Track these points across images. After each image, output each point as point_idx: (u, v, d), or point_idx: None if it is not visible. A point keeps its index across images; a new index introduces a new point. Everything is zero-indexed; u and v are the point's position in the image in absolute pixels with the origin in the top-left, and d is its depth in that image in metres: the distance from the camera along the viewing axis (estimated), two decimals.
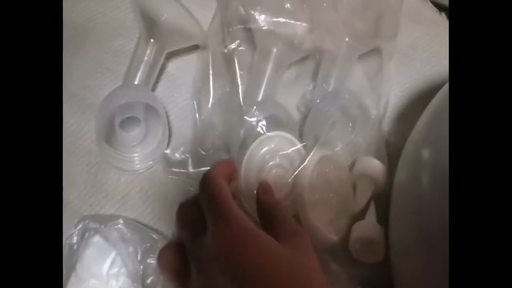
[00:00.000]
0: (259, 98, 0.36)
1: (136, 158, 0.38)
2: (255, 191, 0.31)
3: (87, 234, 0.34)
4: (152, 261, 0.34)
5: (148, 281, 0.33)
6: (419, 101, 0.43)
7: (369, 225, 0.35)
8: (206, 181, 0.25)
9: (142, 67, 0.39)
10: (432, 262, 0.29)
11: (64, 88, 0.41)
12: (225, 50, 0.36)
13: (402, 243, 0.34)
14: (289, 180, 0.35)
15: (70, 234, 0.34)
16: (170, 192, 0.38)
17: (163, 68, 0.42)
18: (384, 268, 0.35)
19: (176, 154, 0.36)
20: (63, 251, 0.34)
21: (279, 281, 0.20)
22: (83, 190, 0.38)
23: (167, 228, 0.36)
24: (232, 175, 0.29)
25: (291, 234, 0.24)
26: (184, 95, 0.41)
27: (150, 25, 0.38)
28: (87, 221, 0.35)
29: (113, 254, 0.33)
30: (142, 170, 0.38)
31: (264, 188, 0.31)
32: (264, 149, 0.35)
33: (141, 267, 0.34)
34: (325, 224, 0.35)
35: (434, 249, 0.29)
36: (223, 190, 0.24)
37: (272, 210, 0.27)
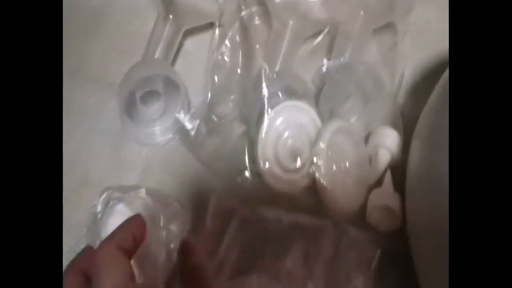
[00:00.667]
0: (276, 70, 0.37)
1: (156, 131, 0.39)
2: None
3: (111, 203, 0.36)
4: (174, 227, 0.35)
5: (172, 245, 0.34)
6: (432, 75, 0.43)
7: (386, 193, 0.35)
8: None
9: (160, 44, 0.40)
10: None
11: (82, 70, 0.43)
12: (241, 24, 0.37)
13: (418, 211, 0.34)
14: (305, 151, 0.36)
15: (94, 204, 0.36)
16: (190, 163, 0.39)
17: (180, 46, 0.43)
18: (401, 237, 0.36)
19: (189, 122, 0.37)
20: (89, 219, 0.35)
21: None
22: (104, 165, 0.39)
23: (188, 199, 0.37)
24: (133, 244, 0.24)
25: None
26: (201, 72, 0.42)
27: (168, 4, 0.40)
28: (110, 191, 0.36)
29: None
30: (162, 143, 0.39)
31: (184, 251, 0.26)
32: (280, 119, 0.36)
33: (164, 233, 0.35)
34: (342, 194, 0.36)
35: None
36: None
37: (193, 275, 0.25)
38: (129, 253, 0.23)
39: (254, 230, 0.34)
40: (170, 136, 0.39)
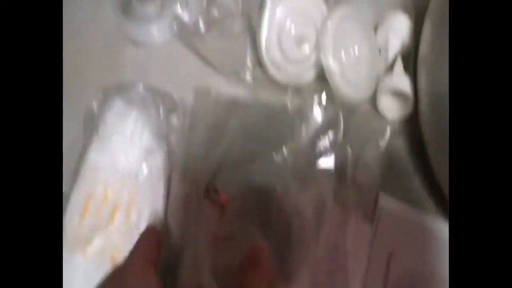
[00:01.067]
0: None
1: (153, 30, 0.37)
2: None
3: (108, 100, 0.34)
4: (174, 120, 0.34)
5: (172, 138, 0.33)
6: None
7: (396, 77, 0.34)
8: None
9: None
10: None
11: None
12: None
13: (430, 94, 0.32)
14: (311, 39, 0.34)
15: (90, 101, 0.34)
16: (189, 62, 0.37)
17: None
18: (411, 124, 0.35)
19: (188, 18, 0.35)
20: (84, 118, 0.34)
21: None
22: (101, 67, 0.38)
23: (188, 94, 0.36)
24: (154, 252, 0.24)
25: None
26: None
27: None
28: (107, 89, 0.35)
29: (135, 114, 0.33)
30: (160, 43, 0.38)
31: None
32: (281, 7, 0.34)
33: (164, 126, 0.33)
34: (351, 81, 0.34)
35: None
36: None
37: None
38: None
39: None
40: (168, 35, 0.37)
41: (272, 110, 0.34)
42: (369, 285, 0.31)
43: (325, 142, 0.31)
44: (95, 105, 0.34)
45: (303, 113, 0.32)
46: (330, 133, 0.32)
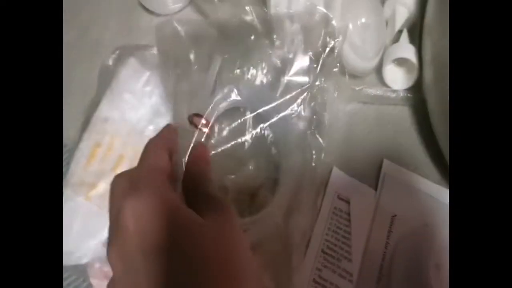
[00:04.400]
0: None
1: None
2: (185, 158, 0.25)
3: (124, 58, 0.35)
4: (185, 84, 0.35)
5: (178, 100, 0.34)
6: None
7: (402, 46, 0.35)
8: (144, 152, 0.22)
9: None
10: None
11: None
12: None
13: (434, 64, 0.33)
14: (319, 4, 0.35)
15: (106, 59, 0.36)
16: (203, 29, 0.38)
17: None
18: (417, 93, 0.35)
19: None
20: (99, 72, 0.35)
21: (199, 257, 0.17)
22: (116, 32, 0.39)
23: (200, 59, 0.37)
24: (172, 149, 0.23)
25: (217, 209, 0.20)
26: None
27: None
28: (124, 48, 0.36)
29: (147, 74, 0.34)
30: (175, 11, 0.39)
31: (196, 156, 0.24)
32: None
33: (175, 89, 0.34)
34: (358, 51, 0.35)
35: None
36: (158, 164, 0.21)
37: (198, 184, 0.22)
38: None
39: None
40: (182, 4, 0.39)
41: None
42: (371, 245, 0.31)
43: None
44: (111, 61, 0.35)
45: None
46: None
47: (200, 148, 0.25)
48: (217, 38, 0.36)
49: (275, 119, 0.32)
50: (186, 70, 0.36)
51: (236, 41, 0.36)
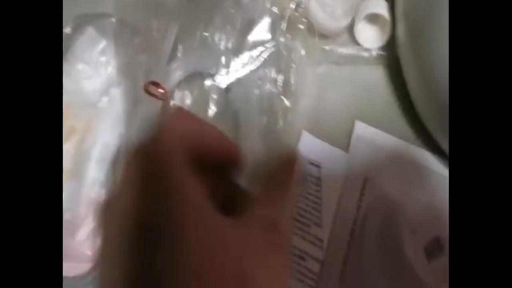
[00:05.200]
0: None
1: None
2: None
3: (81, 27, 0.34)
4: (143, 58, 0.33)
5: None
6: None
7: (373, 1, 0.33)
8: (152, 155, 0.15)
9: None
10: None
11: None
12: None
13: (408, 17, 0.31)
14: None
15: (65, 27, 0.34)
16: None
17: None
18: (391, 50, 0.33)
19: None
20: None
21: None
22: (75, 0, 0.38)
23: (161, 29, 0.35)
24: (195, 138, 0.17)
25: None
26: None
27: None
28: (81, 17, 0.35)
29: (104, 43, 0.33)
30: None
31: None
32: None
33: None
34: (328, 11, 0.33)
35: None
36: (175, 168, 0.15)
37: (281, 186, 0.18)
38: None
39: None
40: None
41: None
42: (342, 209, 0.30)
43: None
44: (69, 30, 0.34)
45: None
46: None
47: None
48: (178, 3, 0.35)
49: (236, 80, 0.31)
50: (145, 39, 0.35)
51: (198, 4, 0.34)
